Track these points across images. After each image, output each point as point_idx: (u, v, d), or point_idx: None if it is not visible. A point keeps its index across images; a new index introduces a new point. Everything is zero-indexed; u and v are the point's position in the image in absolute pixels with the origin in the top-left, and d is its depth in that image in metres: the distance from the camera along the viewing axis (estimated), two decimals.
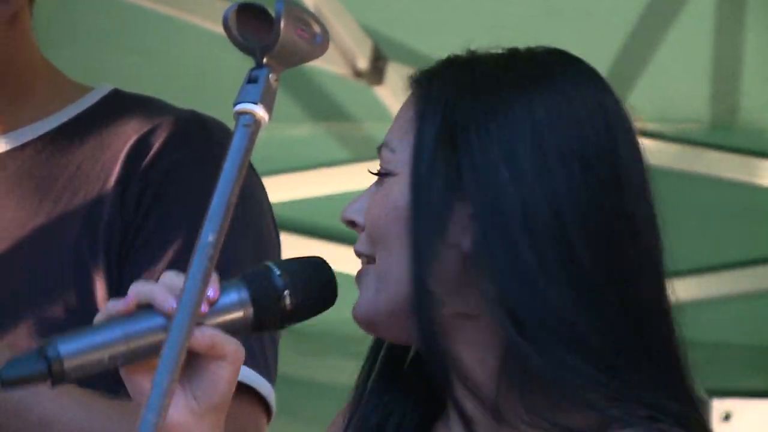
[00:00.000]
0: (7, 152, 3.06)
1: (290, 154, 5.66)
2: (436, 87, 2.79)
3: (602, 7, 5.70)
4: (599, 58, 5.61)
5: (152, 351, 2.26)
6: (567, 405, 2.55)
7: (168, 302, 2.31)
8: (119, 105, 3.08)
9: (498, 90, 2.71)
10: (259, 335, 2.83)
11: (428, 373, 2.69)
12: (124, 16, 4.57)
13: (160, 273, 2.62)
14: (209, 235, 1.97)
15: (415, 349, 2.72)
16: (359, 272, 2.63)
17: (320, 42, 2.15)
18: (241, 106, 2.04)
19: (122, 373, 2.35)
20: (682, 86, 5.88)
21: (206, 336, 2.34)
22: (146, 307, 2.34)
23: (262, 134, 2.06)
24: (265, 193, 3.05)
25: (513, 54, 2.77)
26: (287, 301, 2.49)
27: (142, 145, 2.94)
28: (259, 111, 2.05)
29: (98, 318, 2.38)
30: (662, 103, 5.90)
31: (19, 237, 2.94)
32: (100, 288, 2.86)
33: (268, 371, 2.91)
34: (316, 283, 2.60)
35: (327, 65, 4.86)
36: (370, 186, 2.76)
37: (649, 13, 5.68)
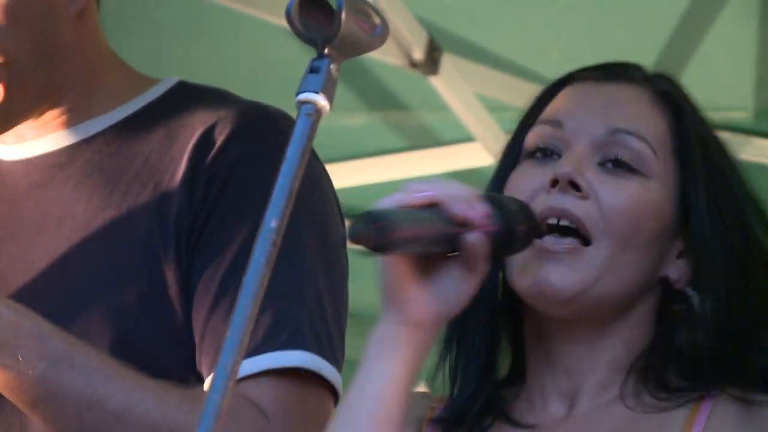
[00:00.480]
0: (77, 144, 3.08)
1: (347, 142, 5.68)
2: (689, 117, 2.88)
3: None
4: (646, 48, 5.59)
5: (441, 246, 2.55)
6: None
7: (464, 210, 2.54)
8: (185, 97, 3.10)
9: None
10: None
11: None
12: (188, 8, 4.58)
13: (228, 262, 2.85)
14: (272, 220, 1.98)
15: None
16: (569, 248, 2.66)
17: (380, 33, 2.18)
18: (303, 96, 2.06)
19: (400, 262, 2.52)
20: (728, 75, 5.84)
21: (483, 243, 2.53)
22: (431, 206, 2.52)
23: (321, 123, 2.10)
24: (330, 181, 3.08)
25: None
26: (522, 226, 2.64)
27: (208, 137, 2.96)
28: (321, 100, 2.07)
29: (387, 203, 2.50)
30: (709, 91, 5.81)
31: (91, 228, 2.96)
32: (170, 277, 2.88)
33: (335, 358, 2.91)
34: (532, 217, 2.68)
35: (384, 56, 4.86)
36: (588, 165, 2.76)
37: (695, 3, 5.62)
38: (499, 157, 2.93)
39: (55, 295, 2.90)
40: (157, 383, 2.79)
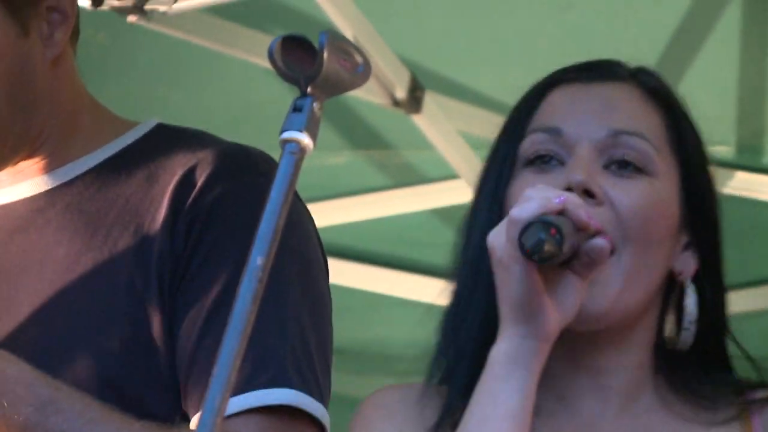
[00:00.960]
0: (56, 188, 3.08)
1: (330, 181, 5.71)
2: (679, 111, 3.01)
3: (629, 35, 5.73)
4: None
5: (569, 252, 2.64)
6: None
7: (584, 215, 2.65)
8: (165, 139, 3.11)
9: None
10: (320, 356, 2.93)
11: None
12: (170, 50, 4.59)
13: (211, 302, 2.82)
14: (258, 258, 1.96)
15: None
16: (600, 254, 2.65)
17: (362, 72, 2.17)
18: (287, 134, 2.04)
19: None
20: (709, 110, 5.83)
21: (609, 248, 2.66)
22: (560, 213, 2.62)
23: (304, 162, 2.08)
24: (311, 220, 3.08)
25: None
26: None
27: (188, 178, 2.96)
28: (304, 139, 2.05)
29: (528, 209, 2.61)
30: None
31: (73, 271, 2.94)
32: (154, 319, 2.88)
33: (321, 394, 2.90)
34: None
35: (366, 95, 4.89)
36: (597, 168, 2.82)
37: (675, 39, 5.71)
38: (485, 167, 2.97)
39: (39, 339, 2.88)
40: (142, 425, 2.77)
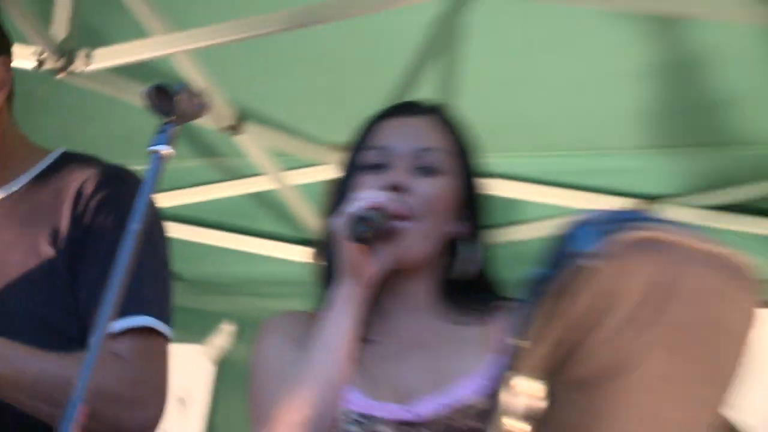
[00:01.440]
0: (1, 200, 3.04)
1: (183, 176, 5.56)
2: (455, 131, 3.04)
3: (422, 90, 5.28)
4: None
5: (384, 232, 2.74)
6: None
7: (395, 206, 2.76)
8: (67, 162, 3.09)
9: None
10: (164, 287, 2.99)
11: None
12: (85, 97, 4.57)
13: (100, 260, 2.81)
14: (135, 224, 2.19)
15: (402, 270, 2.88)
16: (403, 228, 2.77)
17: (203, 108, 2.36)
18: (154, 147, 2.26)
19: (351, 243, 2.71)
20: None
21: (405, 226, 2.79)
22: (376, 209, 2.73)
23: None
24: (157, 206, 2.98)
25: None
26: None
27: (83, 188, 2.96)
28: (166, 150, 2.27)
29: (363, 204, 2.72)
30: None
31: (11, 252, 2.93)
32: (65, 279, 2.88)
33: (166, 315, 2.92)
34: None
35: (205, 122, 4.92)
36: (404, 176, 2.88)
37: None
38: (340, 173, 3.04)
39: None
40: (58, 354, 2.75)
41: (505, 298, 2.91)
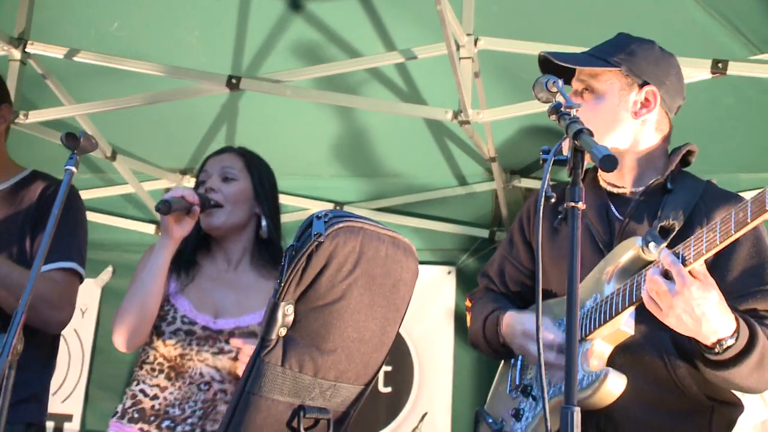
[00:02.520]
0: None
1: (82, 183, 4.81)
2: (250, 156, 2.88)
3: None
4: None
5: (182, 210, 2.61)
6: None
7: (192, 198, 2.63)
8: (35, 177, 2.93)
9: None
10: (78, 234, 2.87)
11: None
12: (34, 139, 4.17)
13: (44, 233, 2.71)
14: (56, 211, 2.09)
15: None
16: (195, 209, 2.65)
17: (94, 144, 2.24)
18: (67, 167, 2.16)
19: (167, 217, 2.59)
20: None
21: (197, 209, 2.65)
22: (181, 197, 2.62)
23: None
24: (79, 197, 2.96)
25: None
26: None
27: (43, 193, 2.86)
28: (73, 168, 2.17)
29: (171, 194, 2.61)
30: None
31: (1, 229, 2.78)
32: (27, 246, 2.76)
33: (81, 258, 2.83)
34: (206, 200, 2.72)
35: (95, 153, 4.27)
36: (219, 184, 2.78)
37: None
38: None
39: None
40: (20, 267, 2.65)
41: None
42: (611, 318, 2.05)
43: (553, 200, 1.76)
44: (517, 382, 2.32)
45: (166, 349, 2.60)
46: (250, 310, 2.66)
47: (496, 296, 2.52)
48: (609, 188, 2.35)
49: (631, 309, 2.05)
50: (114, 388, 5.12)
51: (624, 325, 2.07)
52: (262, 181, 2.83)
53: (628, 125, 2.27)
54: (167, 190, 5.02)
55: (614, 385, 2.03)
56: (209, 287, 2.73)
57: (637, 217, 2.23)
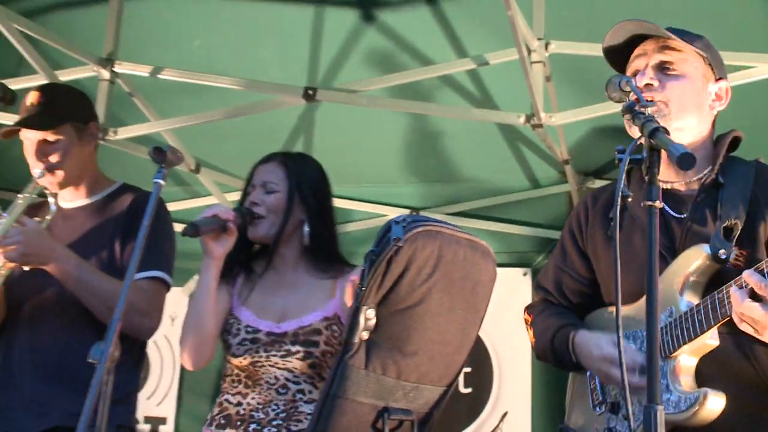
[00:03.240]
0: (83, 206, 2.95)
1: (168, 196, 4.97)
2: (292, 164, 2.79)
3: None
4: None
5: (215, 230, 2.53)
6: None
7: (226, 215, 2.55)
8: (125, 190, 2.99)
9: None
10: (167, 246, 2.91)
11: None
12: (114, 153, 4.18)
13: (133, 243, 2.62)
14: (146, 220, 2.09)
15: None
16: (232, 226, 2.58)
17: (179, 157, 2.25)
18: (156, 180, 2.18)
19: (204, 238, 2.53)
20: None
21: (234, 226, 2.56)
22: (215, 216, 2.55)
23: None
24: (167, 209, 3.01)
25: None
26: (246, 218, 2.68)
27: (132, 204, 2.90)
28: (161, 181, 2.19)
29: (202, 215, 2.54)
30: None
31: (88, 239, 2.85)
32: (117, 253, 2.81)
33: (168, 268, 2.88)
34: (246, 214, 2.70)
35: (181, 167, 4.56)
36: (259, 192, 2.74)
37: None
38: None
39: (80, 256, 2.74)
40: (110, 277, 2.72)
41: (345, 263, 2.76)
42: (696, 337, 1.98)
43: (629, 199, 1.75)
44: (601, 398, 2.24)
45: (237, 360, 2.63)
46: (310, 309, 2.64)
47: (557, 310, 2.43)
48: (661, 185, 2.19)
49: (716, 327, 1.97)
50: (204, 391, 5.17)
51: (709, 339, 2.00)
52: (302, 188, 2.78)
53: (705, 113, 2.22)
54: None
55: (714, 405, 1.96)
56: (269, 293, 2.72)
57: (698, 219, 2.14)
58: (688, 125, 2.18)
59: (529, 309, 2.51)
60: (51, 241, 2.71)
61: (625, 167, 1.67)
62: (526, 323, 2.47)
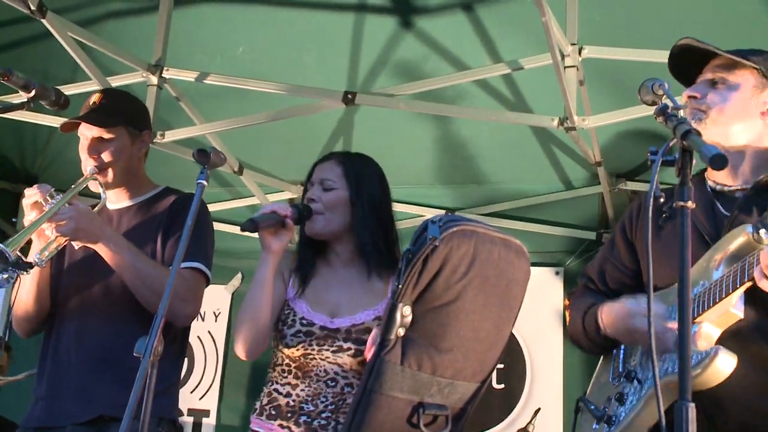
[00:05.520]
0: (129, 206, 2.97)
1: (211, 197, 5.06)
2: (350, 163, 2.74)
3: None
4: None
5: (273, 225, 2.51)
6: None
7: (284, 211, 2.51)
8: (167, 192, 3.01)
9: None
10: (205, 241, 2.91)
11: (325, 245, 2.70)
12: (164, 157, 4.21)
13: (175, 239, 2.80)
14: (190, 221, 2.09)
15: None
16: (289, 222, 2.55)
17: (222, 159, 2.27)
18: (199, 180, 2.17)
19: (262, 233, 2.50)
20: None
21: (291, 222, 2.53)
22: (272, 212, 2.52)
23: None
24: (207, 209, 3.00)
25: None
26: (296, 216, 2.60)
27: (173, 203, 2.92)
28: (204, 182, 2.18)
29: (261, 211, 2.51)
30: None
31: (131, 237, 2.81)
32: (159, 249, 2.83)
33: (208, 261, 2.88)
34: (304, 209, 2.66)
35: (223, 168, 4.54)
36: (315, 190, 2.69)
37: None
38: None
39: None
40: (154, 261, 2.77)
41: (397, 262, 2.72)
42: (721, 299, 1.95)
43: (661, 200, 1.72)
44: (621, 370, 2.25)
45: (290, 350, 2.61)
46: (363, 307, 2.62)
47: (594, 294, 2.44)
48: (716, 187, 2.25)
49: (742, 290, 1.94)
50: (244, 385, 5.20)
51: (734, 308, 1.96)
52: (361, 187, 2.74)
53: (754, 121, 2.20)
54: (291, 200, 5.09)
55: (724, 364, 1.93)
56: (324, 287, 2.70)
57: (746, 209, 2.13)
58: (732, 131, 2.18)
59: (569, 295, 2.54)
60: (101, 221, 2.74)
61: (658, 168, 1.65)
62: (565, 308, 2.47)
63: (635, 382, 2.16)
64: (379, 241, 2.71)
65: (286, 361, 2.63)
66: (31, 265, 2.62)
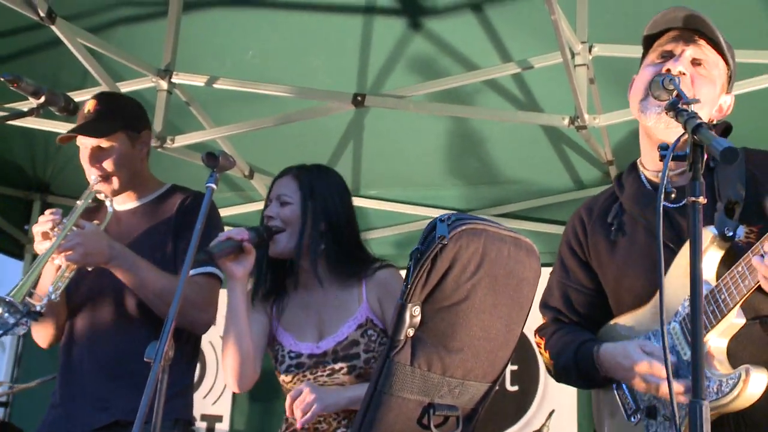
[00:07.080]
0: (134, 208, 2.97)
1: (220, 201, 4.68)
2: (305, 176, 2.70)
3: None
4: None
5: (231, 252, 2.46)
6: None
7: (239, 236, 2.48)
8: (175, 191, 3.01)
9: None
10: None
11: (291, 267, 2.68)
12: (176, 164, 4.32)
13: (187, 241, 2.71)
14: (199, 225, 2.08)
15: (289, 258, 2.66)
16: (248, 246, 2.50)
17: (231, 162, 2.25)
18: (208, 184, 2.16)
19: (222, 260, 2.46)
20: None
21: (250, 246, 2.47)
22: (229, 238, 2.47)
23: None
24: (215, 207, 2.93)
25: None
26: (262, 237, 2.58)
27: (182, 203, 2.91)
28: (213, 185, 2.17)
29: (215, 241, 2.46)
30: None
31: (145, 236, 2.87)
32: (170, 248, 2.83)
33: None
34: (264, 232, 2.61)
35: (234, 172, 4.69)
36: (273, 207, 2.68)
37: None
38: None
39: (136, 252, 2.74)
40: (166, 273, 2.74)
41: (366, 259, 2.68)
42: (723, 316, 1.91)
43: (672, 195, 1.69)
44: (634, 406, 2.15)
45: (289, 385, 2.61)
46: (343, 320, 2.59)
47: (570, 328, 2.35)
48: (652, 178, 2.18)
49: (742, 301, 1.90)
50: (255, 391, 5.21)
51: (735, 318, 1.93)
52: (314, 198, 2.68)
53: (708, 114, 2.15)
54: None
55: (759, 381, 1.87)
56: (304, 313, 2.67)
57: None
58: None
59: (540, 332, 2.42)
60: (109, 240, 2.73)
61: (668, 163, 1.62)
62: (539, 347, 2.39)
63: (660, 418, 2.07)
64: (343, 249, 2.66)
65: (291, 390, 2.60)
66: (40, 313, 2.63)
